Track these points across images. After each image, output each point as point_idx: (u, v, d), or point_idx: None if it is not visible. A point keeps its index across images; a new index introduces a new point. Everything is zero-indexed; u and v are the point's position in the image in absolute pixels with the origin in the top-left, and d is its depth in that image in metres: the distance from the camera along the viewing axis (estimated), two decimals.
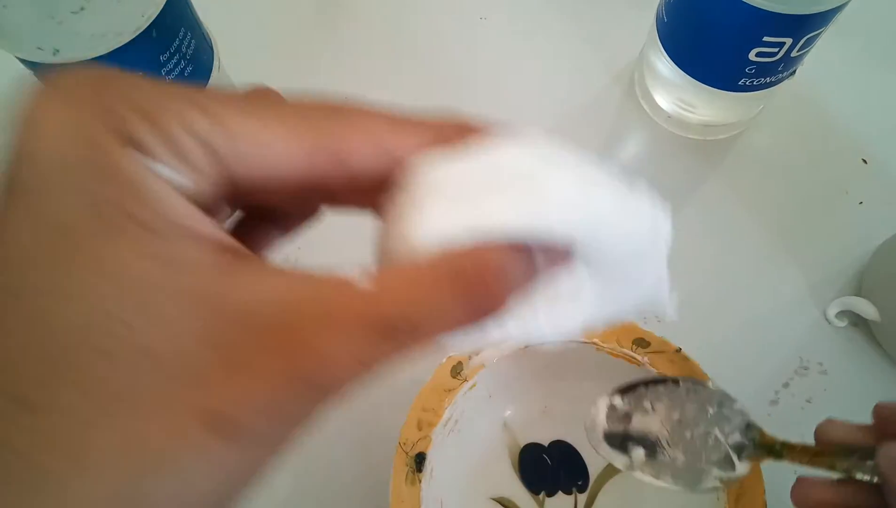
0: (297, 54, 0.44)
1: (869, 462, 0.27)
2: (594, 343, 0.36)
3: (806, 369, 0.43)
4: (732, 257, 0.46)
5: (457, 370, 0.36)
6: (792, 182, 0.48)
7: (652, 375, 0.36)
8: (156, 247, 0.15)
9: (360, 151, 0.17)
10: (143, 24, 0.35)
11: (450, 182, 0.18)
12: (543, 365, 0.37)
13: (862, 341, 0.43)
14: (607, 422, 0.31)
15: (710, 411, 0.31)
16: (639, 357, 0.36)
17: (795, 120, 0.50)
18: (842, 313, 0.43)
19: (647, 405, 0.31)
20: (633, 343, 0.36)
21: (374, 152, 0.18)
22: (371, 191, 0.18)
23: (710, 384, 0.32)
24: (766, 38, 0.39)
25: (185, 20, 0.39)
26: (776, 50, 0.40)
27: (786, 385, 0.42)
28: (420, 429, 0.34)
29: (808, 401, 0.42)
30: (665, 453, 0.31)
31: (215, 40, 0.44)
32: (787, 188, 0.48)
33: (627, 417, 0.31)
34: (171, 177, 0.15)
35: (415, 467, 0.34)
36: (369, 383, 0.16)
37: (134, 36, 0.35)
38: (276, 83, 0.47)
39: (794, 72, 0.43)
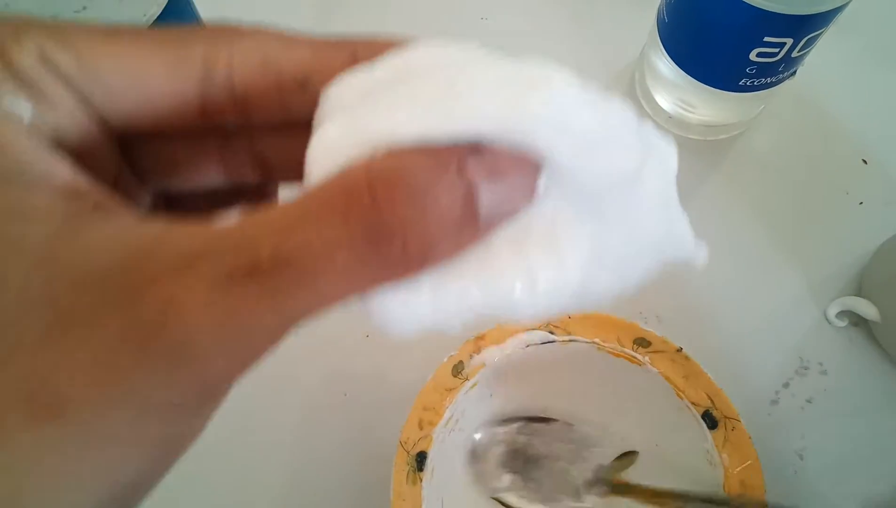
0: None
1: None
2: (595, 343, 0.36)
3: (806, 369, 0.43)
4: (733, 256, 0.46)
5: (458, 370, 0.36)
6: (792, 182, 0.48)
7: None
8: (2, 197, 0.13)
9: (244, 71, 0.15)
10: (145, 23, 0.35)
11: (354, 93, 0.15)
12: (544, 364, 0.38)
13: (862, 341, 0.43)
14: (488, 449, 0.36)
15: (573, 450, 0.36)
16: (640, 357, 0.36)
17: (796, 120, 0.50)
18: (842, 314, 0.43)
19: (522, 439, 0.36)
20: (633, 343, 0.36)
21: (262, 72, 0.15)
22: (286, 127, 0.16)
23: (575, 427, 0.37)
24: (766, 39, 0.39)
25: (186, 20, 0.39)
26: (777, 50, 0.40)
27: (786, 385, 0.42)
28: (421, 428, 0.34)
29: (809, 401, 0.42)
30: (531, 480, 0.35)
31: None
32: (788, 188, 0.48)
33: (504, 445, 0.36)
34: (20, 113, 0.13)
35: (416, 466, 0.33)
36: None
37: None
38: None
39: (795, 72, 0.43)
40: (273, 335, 0.14)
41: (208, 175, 0.17)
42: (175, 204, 0.18)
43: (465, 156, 0.13)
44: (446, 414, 0.35)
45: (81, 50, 0.14)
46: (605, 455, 0.37)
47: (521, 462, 0.36)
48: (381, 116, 0.14)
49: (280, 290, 0.13)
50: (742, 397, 0.42)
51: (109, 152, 0.15)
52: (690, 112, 0.47)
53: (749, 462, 0.34)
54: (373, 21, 0.52)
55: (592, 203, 0.16)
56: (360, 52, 0.16)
